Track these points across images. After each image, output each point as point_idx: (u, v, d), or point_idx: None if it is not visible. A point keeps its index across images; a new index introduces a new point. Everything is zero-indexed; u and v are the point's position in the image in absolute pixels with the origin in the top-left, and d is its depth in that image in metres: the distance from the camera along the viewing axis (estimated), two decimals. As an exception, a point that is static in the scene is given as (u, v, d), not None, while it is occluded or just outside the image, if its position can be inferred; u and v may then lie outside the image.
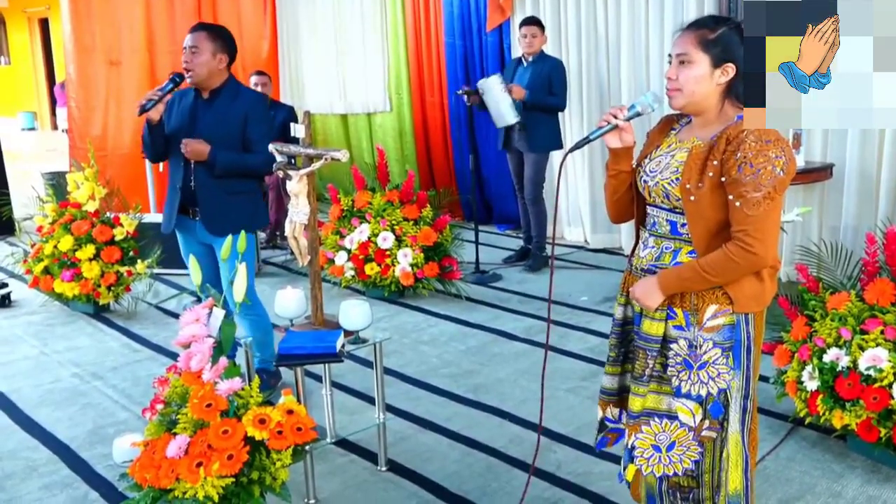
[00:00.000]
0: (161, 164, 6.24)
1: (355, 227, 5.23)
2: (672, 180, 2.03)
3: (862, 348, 2.93)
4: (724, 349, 2.02)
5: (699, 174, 1.97)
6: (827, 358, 3.00)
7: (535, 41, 5.59)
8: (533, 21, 5.66)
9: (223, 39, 3.53)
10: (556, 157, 6.30)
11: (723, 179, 1.94)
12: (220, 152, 3.44)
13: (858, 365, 2.91)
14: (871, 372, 2.87)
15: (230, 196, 3.52)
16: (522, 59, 5.73)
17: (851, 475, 2.95)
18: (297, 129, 2.90)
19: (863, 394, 2.89)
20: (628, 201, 2.22)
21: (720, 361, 2.03)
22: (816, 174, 4.67)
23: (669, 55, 2.06)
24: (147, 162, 6.50)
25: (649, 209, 2.14)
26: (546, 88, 5.55)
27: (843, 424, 2.95)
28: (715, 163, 1.95)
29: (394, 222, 5.16)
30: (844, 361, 2.95)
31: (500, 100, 5.42)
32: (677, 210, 2.04)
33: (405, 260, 5.07)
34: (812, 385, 3.04)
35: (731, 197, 1.93)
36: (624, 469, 2.19)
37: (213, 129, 3.46)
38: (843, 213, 4.86)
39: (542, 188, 5.81)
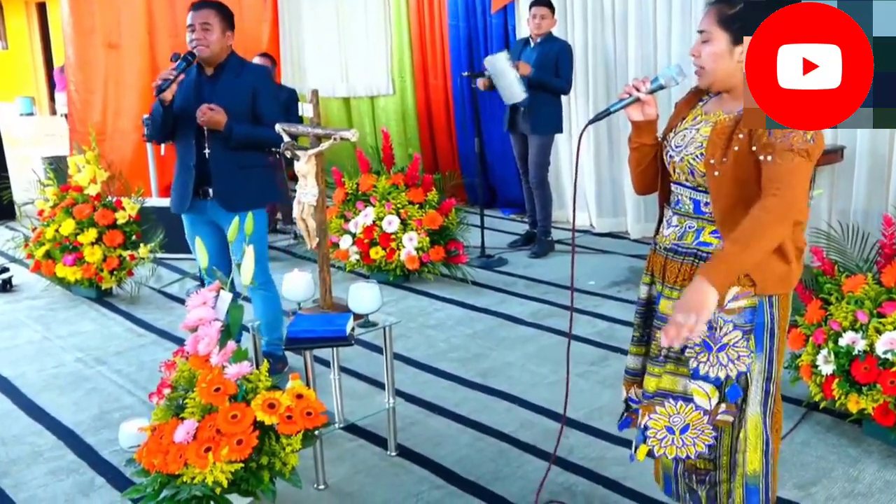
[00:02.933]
0: (163, 147, 6.22)
1: (360, 211, 5.18)
2: (697, 155, 1.99)
3: (879, 332, 2.89)
4: (745, 332, 1.98)
5: (724, 148, 1.93)
6: (843, 342, 2.96)
7: (543, 22, 5.52)
8: (543, 2, 5.58)
9: (229, 16, 3.53)
10: (560, 139, 6.24)
11: (753, 148, 1.88)
12: (235, 123, 3.42)
13: (875, 348, 2.87)
14: (889, 356, 2.83)
15: (243, 170, 3.51)
16: (529, 39, 5.65)
17: (868, 460, 2.91)
18: (306, 109, 2.84)
19: (879, 378, 2.85)
20: (653, 173, 2.17)
21: (741, 344, 1.99)
22: (827, 157, 4.58)
23: (698, 31, 2.02)
24: (148, 145, 6.43)
25: (673, 187, 2.10)
26: (552, 70, 5.49)
27: (858, 409, 2.91)
28: (741, 136, 1.90)
29: (399, 206, 5.11)
30: (861, 345, 2.91)
31: (509, 76, 5.34)
32: (701, 188, 2.00)
33: (410, 244, 5.02)
34: (827, 369, 3.00)
35: (761, 157, 1.87)
36: (635, 449, 2.16)
37: (221, 104, 3.41)
38: (853, 196, 4.81)
39: (547, 171, 5.76)
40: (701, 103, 2.11)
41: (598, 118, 2.08)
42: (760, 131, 1.87)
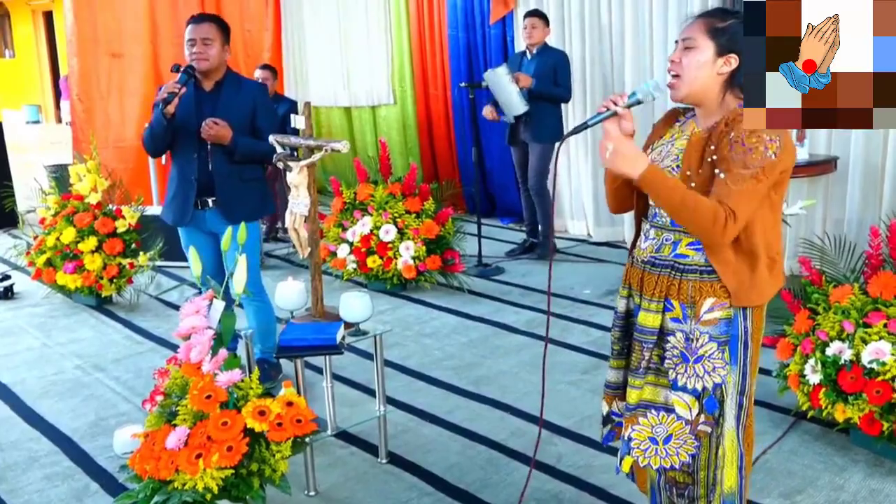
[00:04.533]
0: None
1: (357, 220, 5.22)
2: (673, 168, 2.01)
3: (865, 342, 2.91)
4: (720, 343, 2.00)
5: (699, 160, 1.96)
6: (830, 351, 2.98)
7: (534, 32, 5.58)
8: (534, 13, 5.66)
9: (227, 31, 3.58)
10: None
11: (714, 158, 1.92)
12: (239, 137, 3.50)
13: (861, 358, 2.89)
14: (874, 365, 2.86)
15: (244, 183, 3.60)
16: (527, 51, 5.71)
17: (854, 469, 2.93)
18: (298, 121, 2.89)
19: (865, 387, 2.88)
20: (628, 192, 2.19)
21: (716, 356, 2.01)
22: (821, 167, 4.64)
23: (676, 41, 2.05)
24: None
25: (651, 200, 2.12)
26: (551, 80, 5.54)
27: (845, 418, 2.94)
28: (713, 147, 1.94)
29: (396, 215, 5.15)
30: (847, 355, 2.93)
31: (509, 90, 5.41)
32: None
33: (407, 253, 5.06)
34: (815, 378, 3.03)
35: (716, 171, 1.92)
36: (621, 461, 2.18)
37: (223, 118, 3.46)
38: (847, 206, 4.84)
39: (547, 179, 5.81)
40: (678, 123, 2.14)
41: (575, 132, 2.11)
42: (724, 142, 1.91)
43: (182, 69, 3.45)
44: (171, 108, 3.39)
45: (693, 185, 1.96)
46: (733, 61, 1.97)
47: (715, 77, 1.99)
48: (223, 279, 3.53)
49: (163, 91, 3.42)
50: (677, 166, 2.00)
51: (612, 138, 1.95)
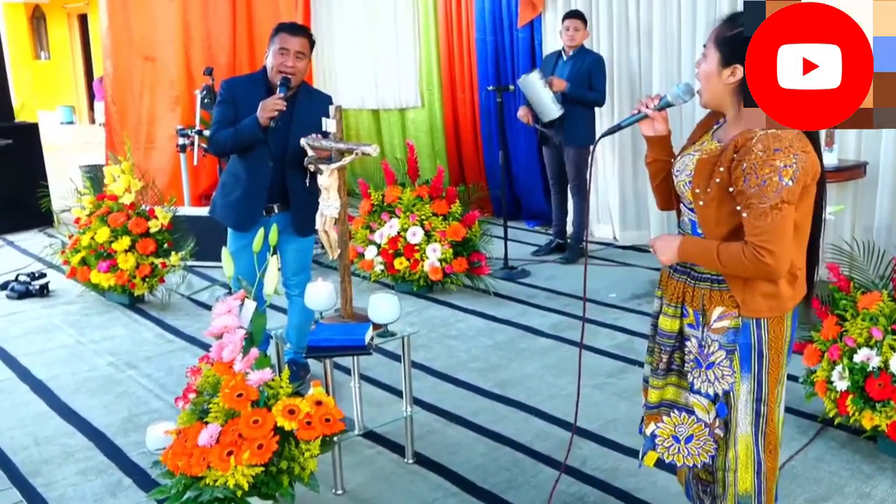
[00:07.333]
0: (196, 157, 6.38)
1: (385, 222, 5.27)
2: (686, 182, 2.02)
3: (893, 349, 2.90)
4: (728, 352, 2.02)
5: (707, 179, 1.94)
6: (857, 358, 2.97)
7: (577, 35, 5.59)
8: (576, 14, 5.67)
9: (314, 45, 3.59)
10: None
11: (731, 190, 1.90)
12: None
13: (889, 365, 2.88)
14: (903, 373, 2.85)
15: (311, 195, 3.52)
16: (563, 52, 5.72)
17: (881, 476, 2.92)
18: (329, 124, 2.94)
19: (893, 395, 2.86)
20: (667, 190, 2.20)
21: (724, 363, 2.03)
22: (850, 172, 4.61)
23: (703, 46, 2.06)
24: (182, 156, 6.60)
25: (681, 206, 2.15)
26: (586, 83, 5.55)
27: (873, 425, 2.93)
28: (721, 169, 1.91)
29: (423, 217, 5.19)
30: (875, 362, 2.92)
31: (543, 95, 5.44)
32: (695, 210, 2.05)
33: (434, 255, 5.10)
34: (842, 385, 3.02)
35: (738, 207, 1.90)
36: (643, 456, 2.24)
37: (301, 129, 3.40)
38: (876, 212, 4.79)
39: (586, 180, 5.82)
40: (716, 125, 2.12)
41: (608, 133, 2.16)
42: (738, 172, 1.87)
43: (281, 82, 3.40)
44: (270, 121, 3.38)
45: (702, 203, 1.96)
46: (738, 72, 1.89)
47: (723, 87, 1.95)
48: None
49: (268, 106, 3.35)
50: (689, 182, 2.01)
51: (652, 240, 2.15)
